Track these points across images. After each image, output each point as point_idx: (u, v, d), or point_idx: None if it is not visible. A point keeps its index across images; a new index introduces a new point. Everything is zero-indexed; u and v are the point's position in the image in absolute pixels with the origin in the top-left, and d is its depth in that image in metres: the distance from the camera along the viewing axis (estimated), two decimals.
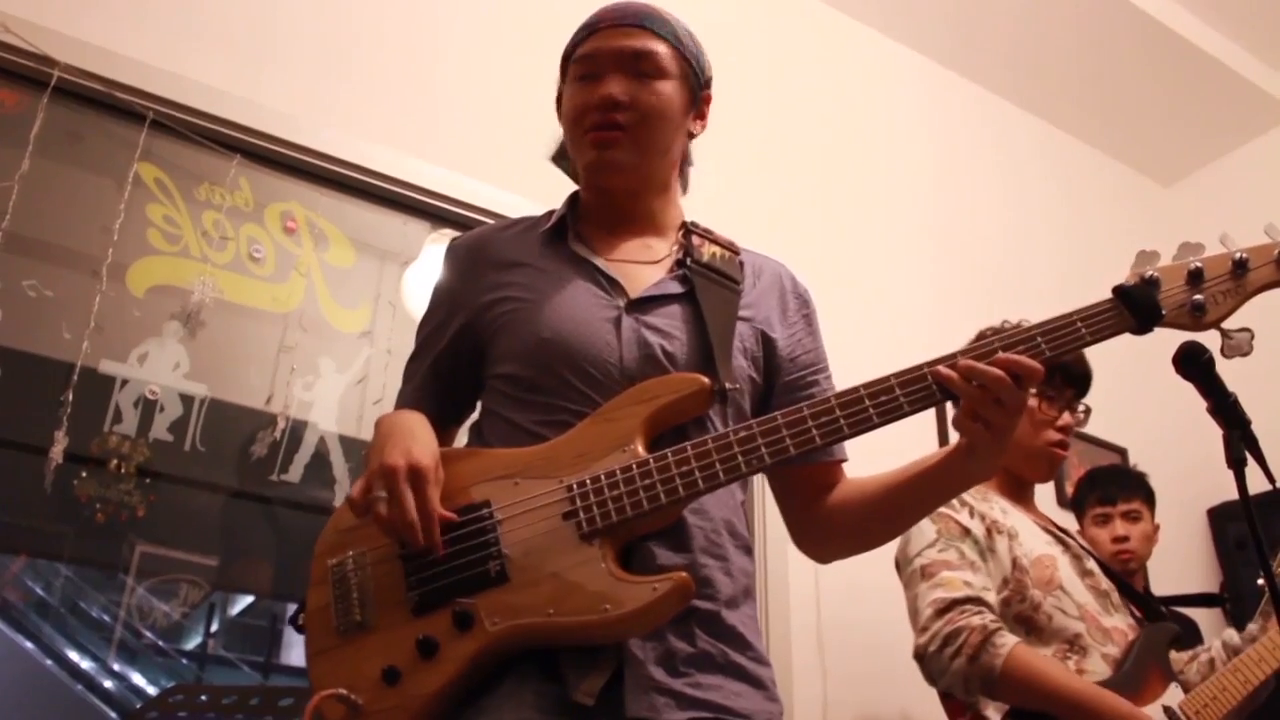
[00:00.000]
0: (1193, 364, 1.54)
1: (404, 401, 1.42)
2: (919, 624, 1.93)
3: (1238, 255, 1.21)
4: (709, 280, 1.37)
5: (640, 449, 1.21)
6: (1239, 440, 1.49)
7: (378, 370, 2.51)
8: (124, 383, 2.24)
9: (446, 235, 2.68)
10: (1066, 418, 2.15)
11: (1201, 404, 1.55)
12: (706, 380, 1.24)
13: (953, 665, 1.84)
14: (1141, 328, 1.21)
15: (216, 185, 2.45)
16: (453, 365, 1.42)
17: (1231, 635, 2.17)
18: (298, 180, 2.57)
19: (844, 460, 1.40)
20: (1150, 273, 1.22)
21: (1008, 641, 1.82)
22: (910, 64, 3.96)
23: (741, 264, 1.44)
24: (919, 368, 1.20)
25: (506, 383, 1.33)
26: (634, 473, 1.18)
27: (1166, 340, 1.65)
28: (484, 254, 1.43)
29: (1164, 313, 1.20)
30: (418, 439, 1.22)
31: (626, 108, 1.35)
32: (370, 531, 1.21)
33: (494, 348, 1.36)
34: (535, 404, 1.29)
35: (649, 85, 1.37)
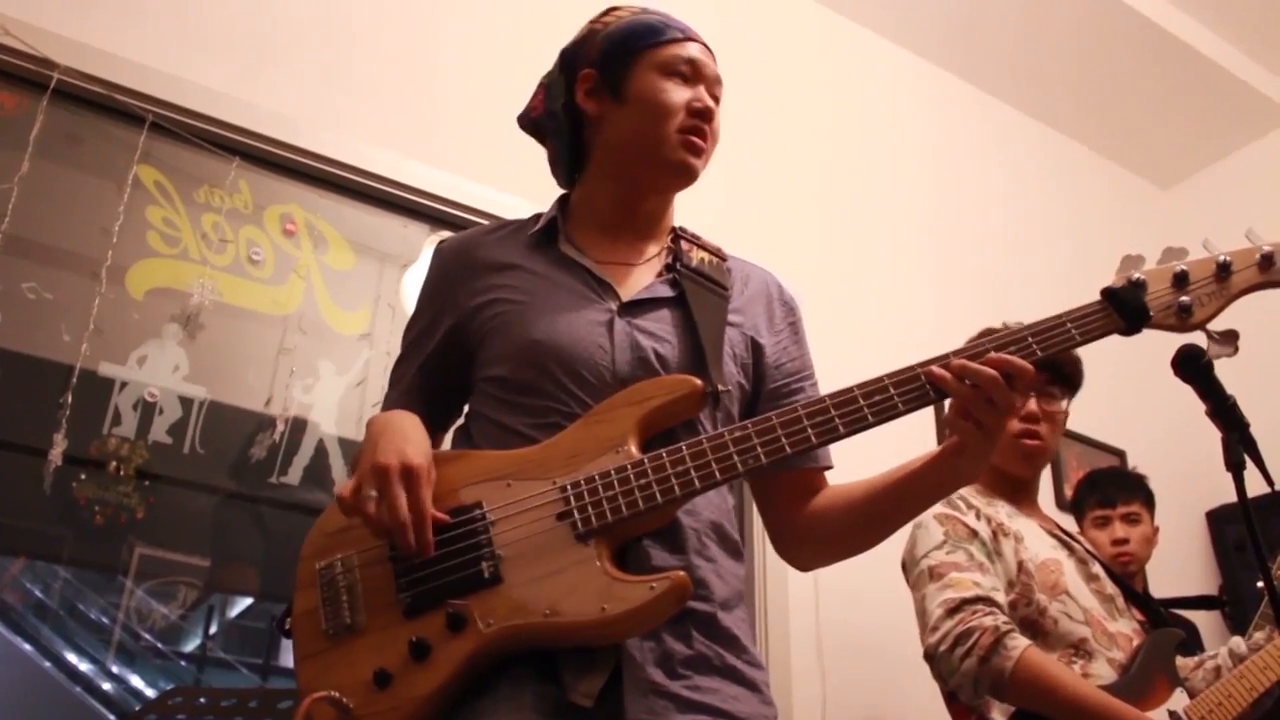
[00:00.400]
0: (1192, 367, 1.54)
1: (391, 405, 1.40)
2: (929, 624, 1.91)
3: (1221, 258, 1.23)
4: (699, 285, 1.37)
5: (634, 449, 1.20)
6: (1238, 443, 1.49)
7: (377, 372, 2.51)
8: (123, 385, 2.24)
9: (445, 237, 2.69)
10: (1031, 405, 2.09)
11: (1201, 406, 1.55)
12: (699, 382, 1.24)
13: (963, 665, 1.82)
14: (1130, 328, 1.23)
15: (216, 188, 2.45)
16: (441, 367, 1.41)
17: (1238, 643, 2.15)
18: (297, 183, 2.57)
19: (828, 468, 1.40)
20: (1137, 275, 1.24)
21: (1019, 644, 1.80)
22: (909, 67, 3.96)
23: (729, 270, 1.44)
24: (912, 368, 1.21)
25: (497, 385, 1.32)
26: (629, 472, 1.18)
27: (1165, 343, 1.65)
28: (473, 256, 1.42)
29: (1151, 314, 1.22)
30: (410, 439, 1.21)
31: (711, 125, 1.40)
32: (359, 534, 1.20)
33: (484, 350, 1.35)
34: (526, 406, 1.29)
35: (718, 111, 1.42)
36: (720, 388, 1.28)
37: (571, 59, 1.46)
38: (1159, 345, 1.40)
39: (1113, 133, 4.34)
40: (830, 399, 1.21)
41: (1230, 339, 1.22)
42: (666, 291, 1.36)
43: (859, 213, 3.50)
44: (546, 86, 1.49)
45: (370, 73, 2.70)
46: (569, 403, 1.26)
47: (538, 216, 1.46)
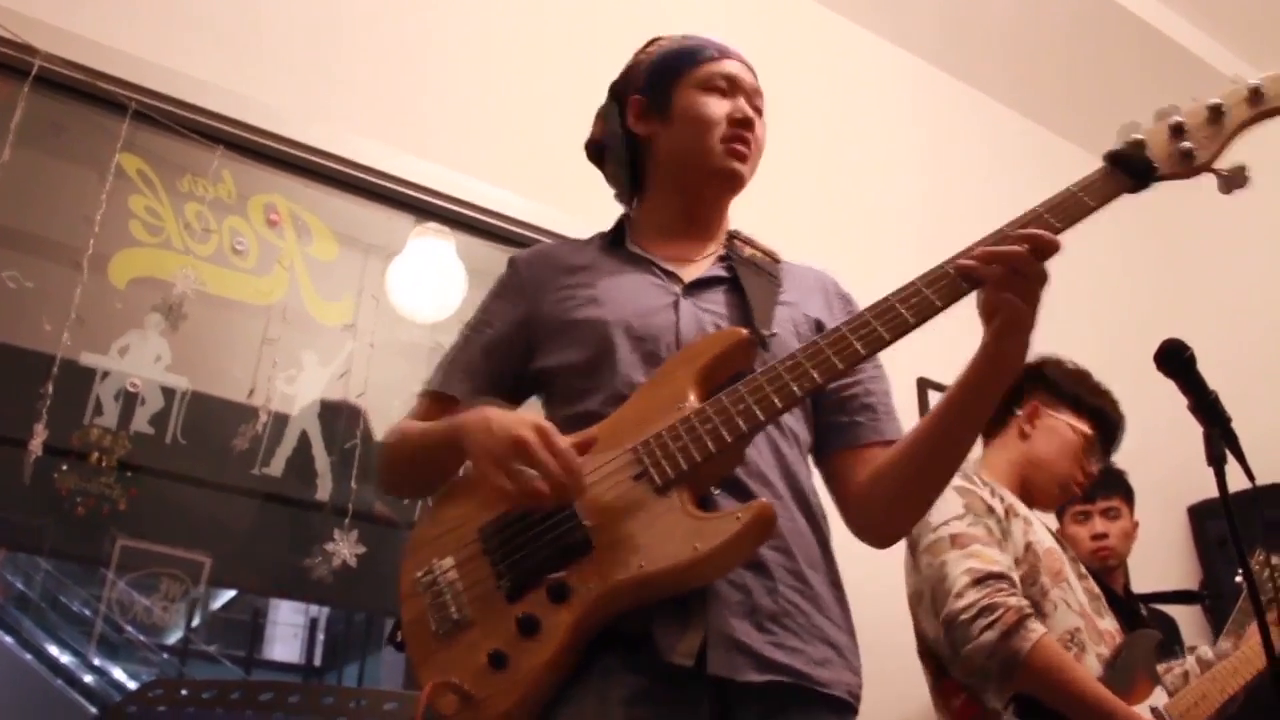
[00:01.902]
0: (1174, 361, 1.56)
1: (448, 382, 1.44)
2: (951, 589, 1.89)
3: (1212, 101, 1.31)
4: (751, 271, 1.47)
5: (695, 401, 1.24)
6: (1219, 437, 1.50)
7: (360, 364, 2.50)
8: (105, 375, 2.23)
9: (430, 228, 2.67)
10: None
11: (1183, 401, 1.56)
12: (745, 331, 1.30)
13: (982, 636, 1.82)
14: (1138, 184, 1.28)
15: (199, 177, 2.44)
16: (505, 353, 1.46)
17: (1205, 651, 2.24)
18: (281, 173, 2.55)
19: (893, 442, 1.41)
20: (1135, 136, 1.30)
21: (1038, 629, 1.82)
22: (901, 64, 3.96)
23: (781, 266, 1.54)
24: (940, 266, 1.27)
25: (570, 372, 1.39)
26: (693, 421, 1.22)
27: (1149, 338, 1.66)
28: (548, 261, 1.52)
29: (1156, 165, 1.27)
30: (514, 414, 1.25)
31: (753, 133, 1.49)
32: (450, 538, 1.26)
33: (556, 340, 1.42)
34: (597, 386, 1.35)
35: (760, 121, 1.52)
36: (765, 332, 1.34)
37: (620, 89, 1.58)
38: (1144, 340, 1.41)
39: (1105, 132, 4.29)
40: (869, 311, 1.25)
41: (1239, 173, 1.25)
42: (722, 273, 1.46)
43: (849, 210, 3.50)
44: (603, 116, 1.59)
45: (355, 63, 2.68)
46: (639, 377, 1.33)
47: (604, 233, 1.57)
